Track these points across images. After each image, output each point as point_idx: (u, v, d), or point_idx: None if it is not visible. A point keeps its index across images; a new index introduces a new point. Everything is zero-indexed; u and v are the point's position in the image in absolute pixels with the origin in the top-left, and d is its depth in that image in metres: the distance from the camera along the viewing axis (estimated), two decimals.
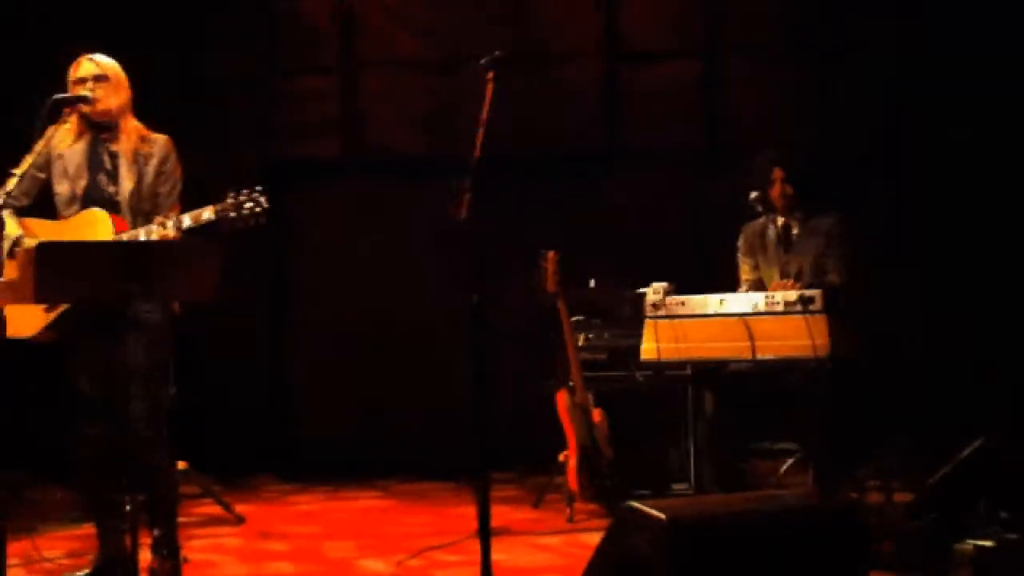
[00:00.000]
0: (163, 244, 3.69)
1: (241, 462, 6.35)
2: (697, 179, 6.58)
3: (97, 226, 3.86)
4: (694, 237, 6.46)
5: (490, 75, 3.72)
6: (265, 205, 3.72)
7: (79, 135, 3.97)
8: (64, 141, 3.96)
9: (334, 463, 6.44)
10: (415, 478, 6.32)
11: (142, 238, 3.76)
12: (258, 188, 3.75)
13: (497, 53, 3.74)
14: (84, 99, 3.90)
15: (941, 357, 5.92)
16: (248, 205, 3.69)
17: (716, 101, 6.63)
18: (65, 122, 3.94)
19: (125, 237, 3.80)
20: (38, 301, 3.71)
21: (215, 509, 5.25)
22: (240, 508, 5.29)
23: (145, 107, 4.10)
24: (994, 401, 5.48)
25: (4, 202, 3.70)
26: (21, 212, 3.97)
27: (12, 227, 3.89)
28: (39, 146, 3.87)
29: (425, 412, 6.60)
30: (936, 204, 6.04)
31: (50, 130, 3.90)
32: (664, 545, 2.88)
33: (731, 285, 4.86)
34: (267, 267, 6.85)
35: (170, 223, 3.73)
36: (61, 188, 3.95)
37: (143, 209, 3.91)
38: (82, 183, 3.92)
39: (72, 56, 4.01)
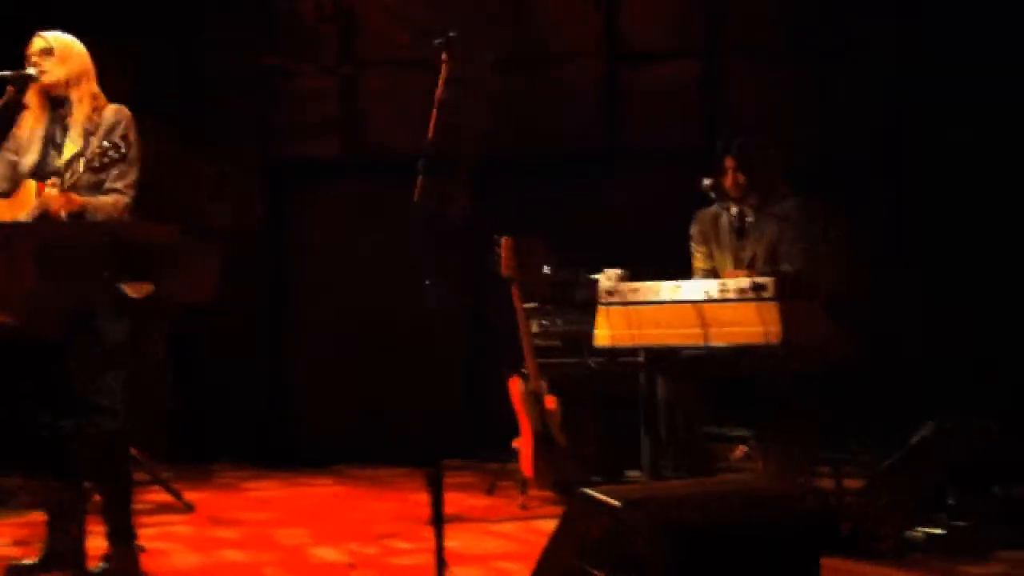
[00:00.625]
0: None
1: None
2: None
3: (24, 200, 3.79)
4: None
5: (444, 55, 3.70)
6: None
7: (40, 113, 3.90)
8: (28, 121, 3.91)
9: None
10: (371, 463, 6.31)
11: (43, 199, 3.67)
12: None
13: (451, 34, 3.72)
14: (28, 76, 3.84)
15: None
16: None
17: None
18: (27, 104, 3.87)
19: (35, 204, 3.71)
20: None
21: (163, 497, 5.19)
22: (191, 495, 5.24)
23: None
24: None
25: None
26: (4, 196, 3.90)
27: None
28: (14, 128, 3.83)
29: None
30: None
31: (21, 114, 3.87)
32: (618, 531, 2.89)
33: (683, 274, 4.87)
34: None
35: (57, 187, 3.66)
36: (21, 168, 3.88)
37: (85, 179, 3.78)
38: (32, 158, 3.85)
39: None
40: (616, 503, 2.92)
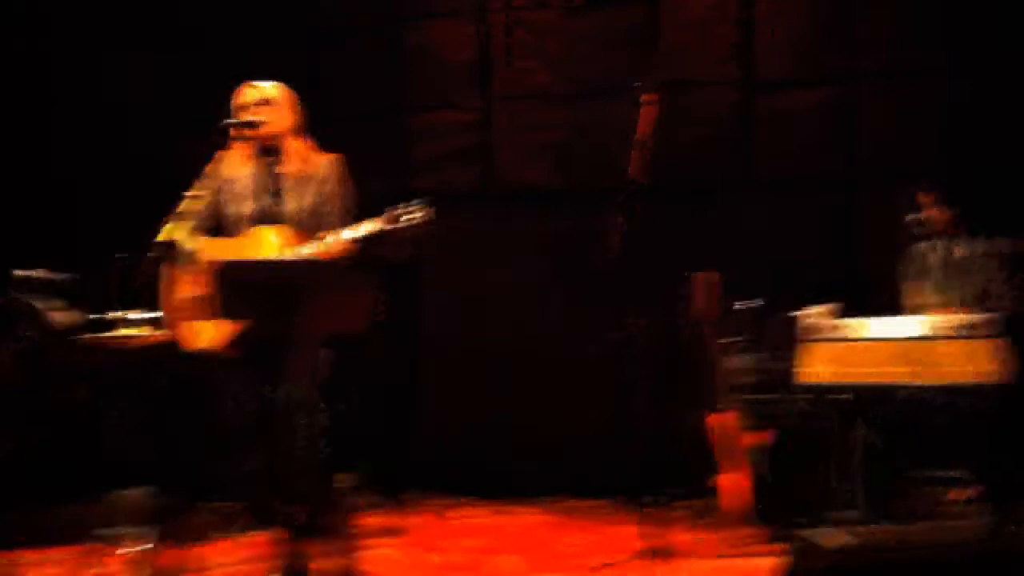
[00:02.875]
0: (320, 274, 3.74)
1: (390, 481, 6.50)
2: (841, 204, 6.48)
3: (263, 244, 4.02)
4: (846, 262, 6.34)
5: (644, 97, 3.75)
6: (425, 216, 3.73)
7: (247, 159, 4.13)
8: (232, 165, 4.13)
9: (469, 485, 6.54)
10: (570, 495, 6.37)
11: (305, 252, 3.87)
12: (417, 201, 3.80)
13: (652, 80, 3.77)
14: (250, 124, 4.07)
15: None
16: (405, 217, 3.74)
17: (851, 127, 6.52)
18: (231, 147, 4.10)
19: (288, 252, 3.92)
20: (224, 318, 3.86)
21: (377, 521, 5.38)
22: (400, 522, 5.41)
23: None
24: None
25: (180, 222, 3.84)
26: (205, 233, 4.16)
27: (187, 241, 4.05)
28: (213, 168, 4.06)
29: (568, 437, 6.64)
30: None
31: (218, 155, 4.09)
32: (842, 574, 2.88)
33: (889, 310, 4.78)
34: (402, 295, 7.00)
35: (330, 238, 3.85)
36: (229, 211, 4.11)
37: (308, 228, 4.02)
38: (249, 205, 4.07)
39: (227, 82, 4.20)
40: (837, 546, 2.92)
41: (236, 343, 4.03)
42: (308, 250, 3.87)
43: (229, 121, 4.06)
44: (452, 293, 6.96)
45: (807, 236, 6.35)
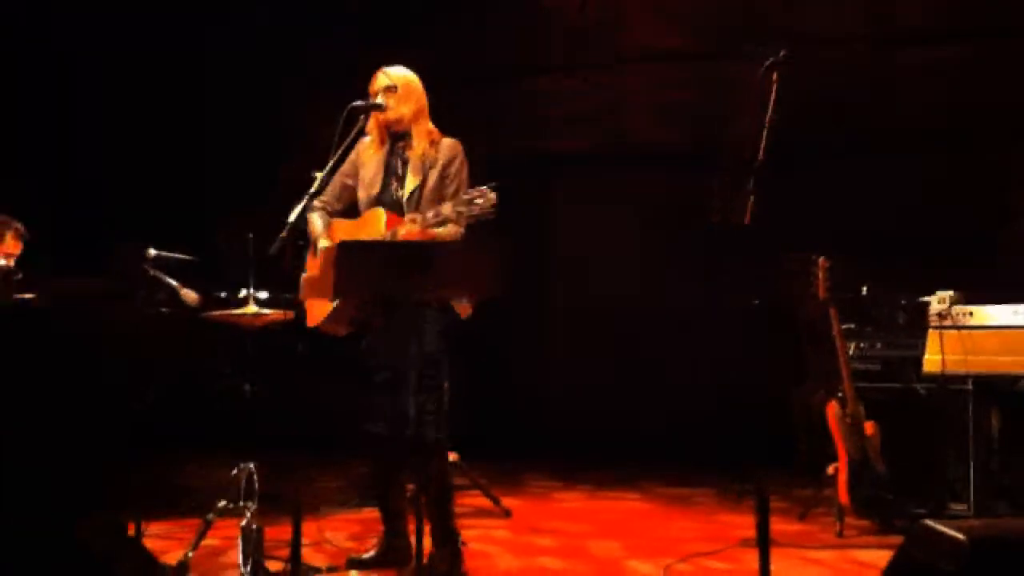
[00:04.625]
0: (442, 244, 3.82)
1: (499, 456, 6.49)
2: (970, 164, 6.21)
3: (371, 224, 4.06)
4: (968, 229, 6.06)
5: (774, 75, 3.63)
6: (494, 201, 3.70)
7: (380, 144, 4.19)
8: (368, 151, 4.21)
9: (589, 458, 6.48)
10: (674, 480, 6.30)
11: (400, 233, 3.89)
12: (490, 184, 3.79)
13: (783, 53, 3.64)
14: (377, 106, 4.09)
15: None
16: (479, 201, 3.72)
17: (984, 83, 6.25)
18: (368, 134, 4.18)
19: (387, 233, 3.96)
20: (335, 297, 3.93)
21: (483, 502, 5.40)
22: (506, 502, 5.42)
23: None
24: None
25: (310, 204, 3.89)
26: (336, 216, 4.24)
27: (316, 222, 4.16)
28: (352, 154, 4.15)
29: (680, 412, 6.55)
30: None
31: (360, 142, 4.18)
32: (965, 567, 2.74)
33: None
34: (531, 256, 6.94)
35: (418, 218, 3.86)
36: (360, 195, 4.18)
37: (426, 210, 4.03)
38: (375, 189, 4.13)
39: (362, 61, 4.24)
40: (963, 538, 2.78)
41: (358, 320, 4.07)
42: (402, 231, 3.89)
43: (358, 104, 4.07)
44: (579, 256, 6.93)
45: (928, 198, 6.13)
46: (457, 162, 4.11)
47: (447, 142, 4.15)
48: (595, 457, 6.71)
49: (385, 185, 4.14)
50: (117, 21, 7.08)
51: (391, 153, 4.18)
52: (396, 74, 4.16)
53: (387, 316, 3.99)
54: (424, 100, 4.17)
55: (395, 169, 4.15)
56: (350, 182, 4.23)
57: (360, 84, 4.22)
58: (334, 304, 4.00)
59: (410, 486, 4.16)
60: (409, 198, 4.06)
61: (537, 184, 7.07)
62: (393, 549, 4.15)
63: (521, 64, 7.07)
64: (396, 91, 4.12)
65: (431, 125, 4.17)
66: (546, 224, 7.02)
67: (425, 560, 3.91)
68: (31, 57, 6.77)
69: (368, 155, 4.20)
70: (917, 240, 6.02)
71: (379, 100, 4.10)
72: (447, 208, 3.79)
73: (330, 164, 3.98)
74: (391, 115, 4.11)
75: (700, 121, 6.64)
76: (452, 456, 4.98)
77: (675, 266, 6.61)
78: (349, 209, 4.26)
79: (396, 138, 4.17)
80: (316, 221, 4.18)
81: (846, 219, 6.17)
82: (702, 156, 6.41)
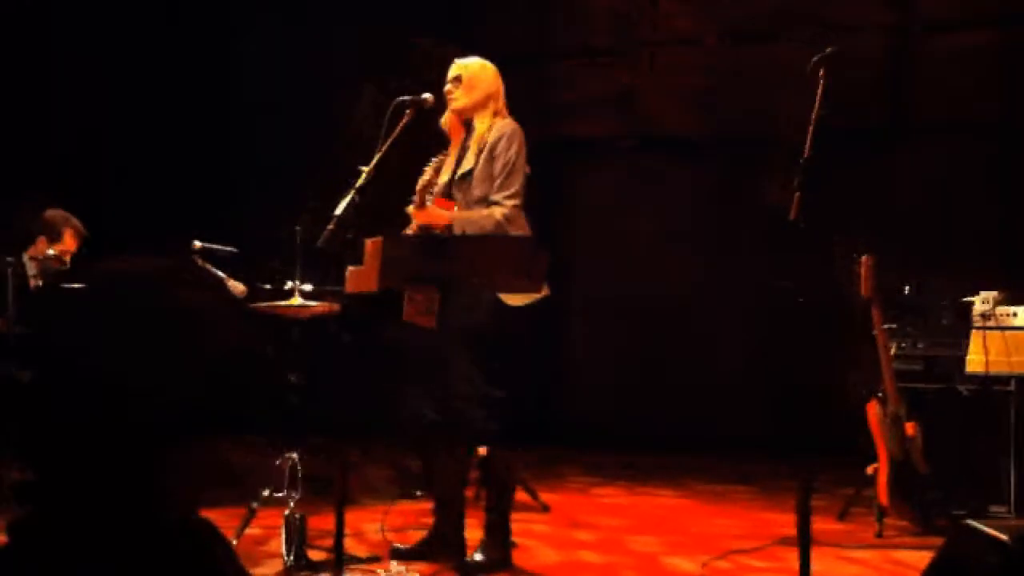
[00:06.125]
0: (485, 240, 3.84)
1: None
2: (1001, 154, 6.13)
3: (428, 215, 4.09)
4: (1000, 219, 6.00)
5: (821, 72, 3.62)
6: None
7: (455, 134, 4.24)
8: (453, 141, 4.24)
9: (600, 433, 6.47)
10: (711, 477, 6.30)
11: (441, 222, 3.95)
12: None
13: (829, 50, 3.64)
14: (421, 100, 4.07)
15: None
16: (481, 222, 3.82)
17: (1012, 72, 6.16)
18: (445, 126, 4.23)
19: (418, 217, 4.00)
20: (380, 288, 3.96)
21: (522, 496, 5.42)
22: (544, 497, 5.45)
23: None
24: None
25: (356, 197, 3.91)
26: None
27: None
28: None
29: (706, 399, 6.53)
30: None
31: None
32: (1009, 569, 2.74)
33: None
34: (546, 240, 6.94)
35: (451, 211, 3.91)
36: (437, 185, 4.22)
37: (475, 194, 4.05)
38: (446, 176, 4.17)
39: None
40: (1006, 538, 2.77)
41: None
42: (446, 219, 3.94)
43: (403, 98, 4.05)
44: (598, 242, 6.91)
45: (964, 188, 6.06)
46: (504, 141, 4.07)
47: (501, 123, 4.13)
48: (628, 448, 6.69)
49: (448, 174, 4.18)
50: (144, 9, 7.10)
51: (463, 142, 4.21)
52: (464, 63, 4.20)
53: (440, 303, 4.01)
54: (493, 87, 4.19)
55: (461, 156, 4.18)
56: (431, 176, 4.25)
57: (406, 69, 4.25)
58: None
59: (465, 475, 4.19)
60: (460, 180, 4.08)
61: (552, 169, 7.07)
62: (439, 539, 4.18)
63: (540, 49, 7.05)
64: (460, 82, 4.14)
65: (500, 106, 4.18)
66: (565, 209, 7.00)
67: (470, 552, 3.93)
68: (59, 45, 6.80)
69: (451, 146, 4.25)
70: (947, 234, 5.97)
71: (447, 90, 4.13)
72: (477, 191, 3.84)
73: (376, 158, 3.99)
74: (455, 105, 4.16)
75: (724, 109, 6.61)
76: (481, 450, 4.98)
77: (699, 253, 6.58)
78: None
79: (468, 126, 4.20)
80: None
81: (878, 198, 6.11)
82: (726, 144, 6.42)
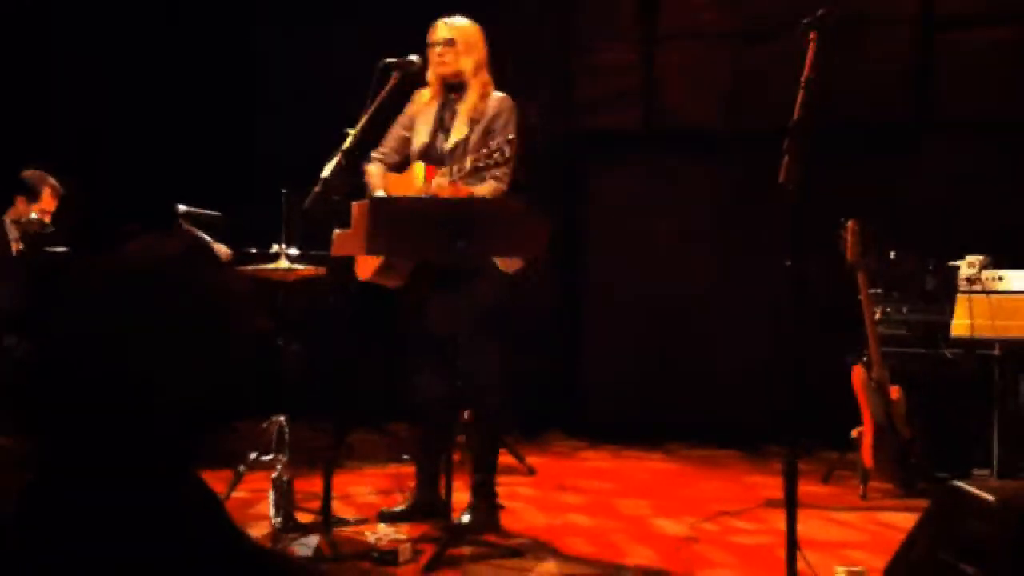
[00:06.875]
0: (481, 201, 3.82)
1: (532, 423, 6.53)
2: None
3: (412, 178, 4.06)
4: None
5: (812, 35, 3.60)
6: (508, 153, 3.71)
7: (435, 95, 4.16)
8: (422, 101, 4.17)
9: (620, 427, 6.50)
10: (698, 443, 6.32)
11: (432, 187, 3.91)
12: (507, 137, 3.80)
13: (821, 11, 3.61)
14: (410, 62, 4.04)
15: None
16: (496, 153, 3.74)
17: None
18: (426, 82, 4.14)
19: (423, 187, 3.97)
20: (367, 253, 3.95)
21: (507, 459, 5.43)
22: (530, 460, 5.46)
23: None
24: None
25: (342, 159, 3.88)
26: (394, 168, 4.23)
27: (375, 179, 4.17)
28: (409, 106, 4.17)
29: (714, 381, 6.53)
30: None
31: (417, 92, 4.16)
32: (992, 528, 2.77)
33: None
34: (565, 233, 6.93)
35: (451, 170, 3.87)
36: (411, 146, 4.17)
37: (466, 163, 3.96)
38: (423, 140, 4.11)
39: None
40: (992, 499, 2.80)
41: (399, 275, 4.08)
42: (434, 184, 3.90)
43: (391, 60, 4.00)
44: (615, 237, 6.89)
45: (989, 182, 6.05)
46: (503, 117, 4.03)
47: (497, 96, 4.08)
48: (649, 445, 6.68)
49: (433, 137, 4.12)
50: None
51: (444, 105, 4.13)
52: (457, 24, 4.10)
53: (437, 273, 3.99)
54: (484, 51, 4.11)
55: (445, 121, 4.12)
56: (407, 134, 4.18)
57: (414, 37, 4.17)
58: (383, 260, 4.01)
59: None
60: (452, 151, 4.02)
61: (573, 162, 7.03)
62: (425, 502, 4.19)
63: (557, 40, 6.99)
64: (454, 45, 4.06)
65: (488, 77, 4.12)
66: (583, 202, 6.99)
67: (456, 515, 3.94)
68: (59, 45, 6.70)
69: (423, 106, 4.16)
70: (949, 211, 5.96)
71: (435, 54, 4.07)
72: (468, 162, 3.79)
73: (361, 120, 3.96)
74: (449, 69, 4.06)
75: (741, 102, 6.57)
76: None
77: (716, 248, 6.56)
78: (407, 161, 4.23)
79: (451, 89, 4.12)
80: (373, 173, 4.17)
81: (899, 190, 6.10)
82: (742, 136, 6.39)
